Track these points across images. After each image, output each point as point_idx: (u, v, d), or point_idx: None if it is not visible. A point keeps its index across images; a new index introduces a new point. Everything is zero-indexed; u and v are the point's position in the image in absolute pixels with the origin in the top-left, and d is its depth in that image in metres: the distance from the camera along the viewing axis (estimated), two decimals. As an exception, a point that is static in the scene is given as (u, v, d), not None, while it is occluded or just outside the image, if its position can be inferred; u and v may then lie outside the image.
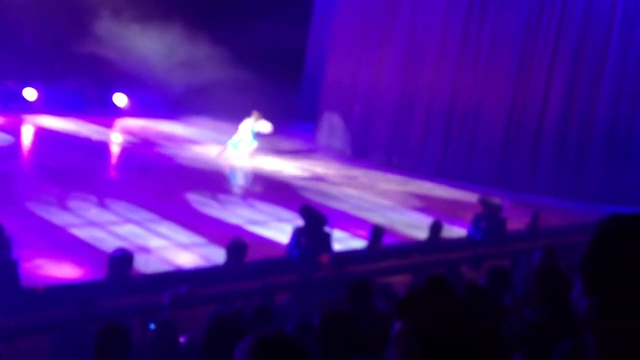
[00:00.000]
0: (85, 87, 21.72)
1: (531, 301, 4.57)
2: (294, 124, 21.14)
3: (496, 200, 11.57)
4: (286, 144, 18.96)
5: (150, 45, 20.50)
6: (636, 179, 15.16)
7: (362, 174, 16.38)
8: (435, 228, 9.52)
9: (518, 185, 15.88)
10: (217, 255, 8.88)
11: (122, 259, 7.43)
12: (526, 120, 16.22)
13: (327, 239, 8.54)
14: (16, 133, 17.15)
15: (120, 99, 21.53)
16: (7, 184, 12.23)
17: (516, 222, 11.35)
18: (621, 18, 15.23)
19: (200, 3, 21.56)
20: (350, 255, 8.82)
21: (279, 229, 10.97)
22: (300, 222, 8.66)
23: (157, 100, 21.70)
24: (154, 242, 9.87)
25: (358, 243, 10.10)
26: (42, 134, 17.94)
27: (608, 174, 15.43)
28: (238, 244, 8.00)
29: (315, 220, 8.54)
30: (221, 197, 12.94)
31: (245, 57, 20.43)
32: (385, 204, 13.82)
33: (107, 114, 20.73)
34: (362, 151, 18.07)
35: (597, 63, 15.44)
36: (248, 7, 21.74)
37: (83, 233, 9.83)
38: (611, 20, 15.29)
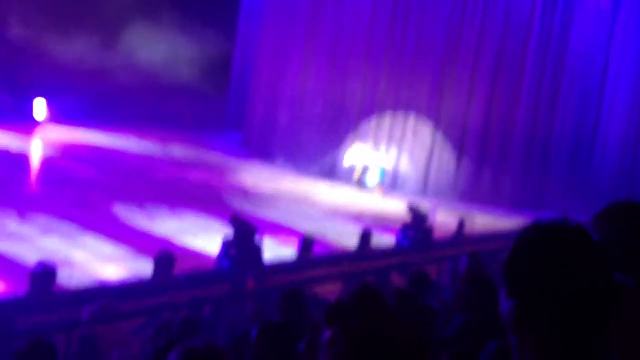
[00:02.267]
0: (1, 95, 20.93)
1: (458, 305, 4.66)
2: (222, 132, 21.01)
3: (424, 207, 11.77)
4: (214, 153, 18.81)
5: (68, 51, 20.03)
6: (555, 185, 15.70)
7: (291, 184, 16.39)
8: (365, 237, 9.61)
9: (443, 192, 16.21)
10: (145, 268, 8.69)
11: (45, 273, 7.19)
12: (451, 127, 16.59)
13: (257, 250, 8.49)
14: None
15: (39, 107, 20.82)
16: None
17: (443, 228, 11.58)
18: (539, 28, 15.80)
19: (121, 7, 21.15)
20: (279, 265, 8.80)
21: (208, 239, 10.84)
22: (230, 232, 8.58)
23: (78, 107, 21.08)
24: (77, 255, 9.59)
25: (288, 252, 10.08)
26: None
27: (527, 180, 15.93)
28: (165, 256, 7.86)
29: (245, 230, 8.48)
30: (147, 207, 12.69)
31: (169, 64, 20.21)
32: (315, 213, 13.86)
33: (26, 123, 20.02)
34: (290, 160, 18.08)
35: (516, 71, 15.96)
36: (172, 13, 21.47)
37: (3, 247, 9.47)
38: (529, 30, 15.85)
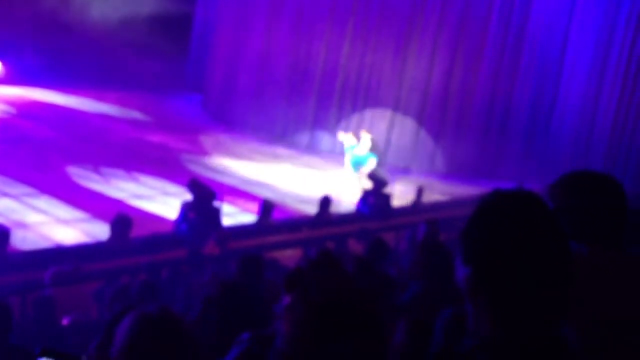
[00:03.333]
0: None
1: (415, 273, 4.72)
2: (181, 93, 20.73)
3: (383, 175, 11.83)
4: (173, 115, 18.57)
5: (24, 8, 19.48)
6: (512, 154, 15.92)
7: (251, 149, 16.30)
8: (324, 203, 9.63)
9: (403, 160, 16.30)
10: (101, 231, 8.60)
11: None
12: (411, 96, 16.63)
13: (216, 214, 8.45)
14: None
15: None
16: None
17: (402, 197, 11.67)
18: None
19: None
20: (239, 230, 8.79)
21: (165, 203, 10.76)
22: (188, 196, 8.52)
23: (33, 66, 20.58)
24: (31, 217, 9.44)
25: (247, 218, 10.07)
26: None
27: (485, 149, 16.11)
28: (122, 219, 7.77)
29: (204, 195, 8.43)
30: (104, 170, 12.52)
31: (128, 22, 19.79)
32: (276, 179, 13.83)
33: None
34: (251, 125, 17.94)
35: (478, 39, 16.02)
36: None
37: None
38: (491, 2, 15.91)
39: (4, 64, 20.27)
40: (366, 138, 14.08)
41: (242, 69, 18.48)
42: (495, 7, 15.91)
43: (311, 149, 16.92)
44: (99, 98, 18.37)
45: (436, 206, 11.49)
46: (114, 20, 19.80)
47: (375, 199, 10.25)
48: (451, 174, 15.67)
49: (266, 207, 9.01)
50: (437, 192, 13.51)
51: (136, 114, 18.28)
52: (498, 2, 15.88)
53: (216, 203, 8.53)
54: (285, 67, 17.72)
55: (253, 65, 18.23)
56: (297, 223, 9.70)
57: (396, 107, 16.75)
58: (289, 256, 7.62)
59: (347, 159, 14.23)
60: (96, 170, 12.43)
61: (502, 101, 16.14)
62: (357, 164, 13.86)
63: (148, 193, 11.57)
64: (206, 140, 16.57)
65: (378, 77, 16.88)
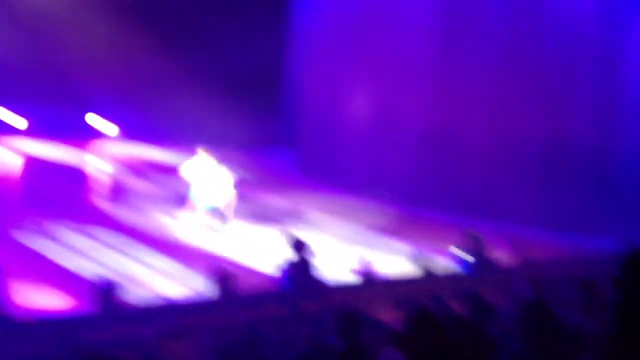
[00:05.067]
0: (63, 110, 21.58)
1: (518, 333, 4.63)
2: (274, 149, 21.10)
3: (479, 233, 11.61)
4: (267, 171, 18.93)
5: (118, 67, 20.57)
6: (612, 207, 15.20)
7: (346, 204, 16.39)
8: (421, 259, 9.57)
9: (500, 214, 15.85)
10: (203, 285, 8.85)
11: (107, 289, 7.39)
12: (509, 145, 16.26)
13: (315, 270, 8.55)
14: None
15: (98, 122, 21.42)
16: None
17: (499, 253, 11.41)
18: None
19: (165, 21, 21.60)
20: (339, 287, 8.84)
21: (263, 259, 10.96)
22: (286, 252, 8.67)
23: (136, 124, 21.58)
24: (138, 271, 9.82)
25: (347, 275, 10.11)
26: (23, 158, 17.83)
27: (585, 202, 15.46)
28: (225, 274, 7.99)
29: (302, 252, 8.55)
30: (199, 222, 12.90)
31: (215, 79, 20.49)
32: (371, 234, 13.83)
33: (86, 138, 20.61)
34: (344, 179, 18.04)
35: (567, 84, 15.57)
36: (216, 25, 21.71)
37: (68, 262, 9.77)
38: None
39: (107, 120, 21.40)
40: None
41: (333, 122, 18.72)
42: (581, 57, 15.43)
43: (404, 201, 16.81)
44: (193, 153, 18.97)
45: (538, 264, 11.16)
46: (206, 75, 20.57)
47: (474, 256, 10.09)
48: (539, 228, 15.15)
49: (365, 265, 9.05)
50: (537, 248, 13.12)
51: (239, 171, 18.71)
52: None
53: (315, 259, 8.64)
54: (371, 119, 17.83)
55: (345, 118, 18.44)
56: (396, 280, 9.65)
57: (493, 159, 16.38)
58: (388, 314, 7.58)
59: None
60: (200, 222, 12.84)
61: (607, 152, 15.50)
62: None
63: (246, 248, 11.82)
64: (301, 195, 16.80)
65: (467, 126, 16.64)
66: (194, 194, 12.78)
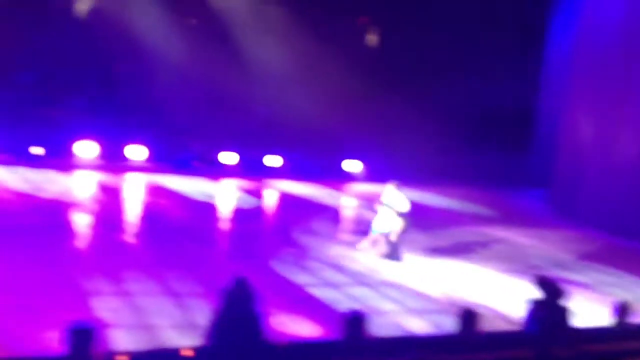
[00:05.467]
0: (319, 154, 23.06)
1: None
2: (525, 187, 20.50)
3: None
4: (518, 210, 18.43)
5: (373, 114, 21.36)
6: None
7: (599, 246, 15.38)
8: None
9: None
10: (448, 323, 8.80)
11: (355, 320, 7.63)
12: None
13: (566, 314, 8.09)
14: (260, 196, 18.58)
15: (352, 166, 22.55)
16: (251, 242, 13.21)
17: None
18: None
19: (408, 66, 21.99)
20: (591, 332, 8.28)
21: (510, 299, 10.63)
22: (536, 294, 8.31)
23: (387, 166, 22.33)
24: (385, 305, 10.04)
25: (600, 320, 9.46)
26: (282, 197, 19.24)
27: None
28: (470, 313, 7.86)
29: (553, 293, 8.15)
30: (448, 262, 12.86)
31: (463, 117, 20.41)
32: (632, 279, 12.80)
33: (340, 179, 21.79)
34: (597, 220, 16.96)
35: None
36: (462, 63, 21.68)
37: (319, 292, 10.28)
38: None
39: (361, 163, 22.40)
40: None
41: (587, 161, 17.76)
42: None
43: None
44: (442, 192, 19.07)
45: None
46: (447, 117, 20.63)
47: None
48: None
49: (623, 310, 8.37)
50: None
51: (479, 208, 18.55)
52: None
53: (566, 302, 8.18)
54: (633, 157, 16.59)
55: (599, 157, 17.41)
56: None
57: None
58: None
59: None
60: (443, 263, 12.83)
61: None
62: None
63: (492, 288, 11.55)
64: (552, 236, 16.09)
65: None
66: (375, 224, 12.93)
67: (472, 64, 21.83)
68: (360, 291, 10.63)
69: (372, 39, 26.37)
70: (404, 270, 12.11)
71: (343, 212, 18.35)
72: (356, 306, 9.11)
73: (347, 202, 19.50)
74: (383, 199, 12.99)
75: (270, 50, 23.32)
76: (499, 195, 19.72)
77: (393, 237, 12.65)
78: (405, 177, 21.39)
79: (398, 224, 12.63)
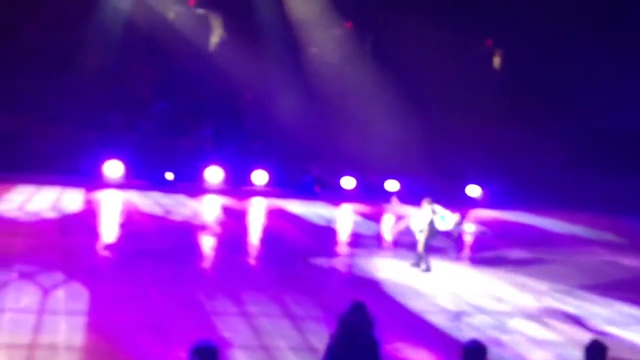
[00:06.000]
0: (439, 178, 22.83)
1: None
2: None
3: None
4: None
5: (495, 137, 20.96)
6: None
7: None
8: None
9: None
10: (574, 356, 8.43)
11: (476, 350, 7.46)
12: None
13: None
14: (379, 221, 18.59)
15: (474, 191, 22.14)
16: (369, 267, 13.20)
17: None
18: None
19: (530, 92, 21.42)
20: None
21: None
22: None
23: (509, 191, 21.83)
24: (507, 336, 9.75)
25: None
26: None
27: None
28: (597, 345, 7.49)
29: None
30: (576, 293, 12.33)
31: (585, 142, 19.67)
32: None
33: (462, 205, 21.42)
34: None
35: None
36: (587, 87, 20.93)
37: (438, 320, 10.14)
38: None
39: (483, 188, 21.97)
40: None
41: None
42: None
43: None
44: (569, 219, 18.38)
45: None
46: (570, 142, 19.95)
47: None
48: None
49: None
50: None
51: (608, 236, 17.72)
52: None
53: None
54: None
55: None
56: None
57: None
58: None
59: None
60: (569, 292, 12.32)
61: None
62: None
63: (621, 320, 10.96)
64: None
65: None
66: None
67: (595, 87, 21.04)
68: (479, 319, 10.38)
69: (497, 61, 25.93)
70: (525, 299, 11.72)
71: (463, 237, 18.03)
72: (476, 335, 8.90)
73: (467, 227, 19.15)
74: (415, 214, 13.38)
75: (390, 75, 23.45)
76: (627, 222, 18.74)
77: (420, 248, 13.00)
78: (527, 202, 20.88)
79: (423, 235, 12.93)
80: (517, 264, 14.42)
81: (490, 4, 21.52)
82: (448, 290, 11.88)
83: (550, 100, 22.19)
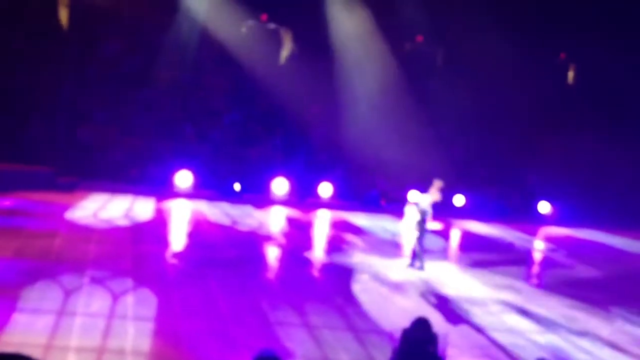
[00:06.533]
0: (509, 194, 22.43)
1: None
2: None
3: None
4: None
5: (564, 153, 20.48)
6: None
7: None
8: None
9: None
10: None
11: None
12: None
13: None
14: (447, 236, 18.38)
15: (544, 207, 21.66)
16: (434, 281, 13.06)
17: None
18: None
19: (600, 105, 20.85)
20: None
21: None
22: None
23: (581, 209, 21.28)
24: (575, 355, 9.47)
25: None
26: (469, 237, 18.90)
27: None
28: None
29: None
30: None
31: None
32: None
33: (532, 222, 21.00)
34: None
35: None
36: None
37: (503, 338, 9.93)
38: None
39: (553, 205, 21.45)
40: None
41: None
42: None
43: None
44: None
45: None
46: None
47: None
48: None
49: None
50: None
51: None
52: None
53: None
54: None
55: None
56: None
57: None
58: None
59: None
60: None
61: None
62: None
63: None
64: None
65: None
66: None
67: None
68: (548, 339, 10.12)
69: (570, 76, 25.37)
70: (595, 319, 11.36)
71: (531, 255, 17.63)
72: (545, 356, 8.68)
73: (536, 245, 18.73)
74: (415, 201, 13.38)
75: (461, 89, 23.23)
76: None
77: (416, 247, 13.12)
78: (599, 220, 20.27)
79: (414, 227, 12.99)
80: (589, 285, 14.00)
81: (564, 18, 21.10)
82: (515, 306, 11.63)
83: (623, 114, 21.55)
